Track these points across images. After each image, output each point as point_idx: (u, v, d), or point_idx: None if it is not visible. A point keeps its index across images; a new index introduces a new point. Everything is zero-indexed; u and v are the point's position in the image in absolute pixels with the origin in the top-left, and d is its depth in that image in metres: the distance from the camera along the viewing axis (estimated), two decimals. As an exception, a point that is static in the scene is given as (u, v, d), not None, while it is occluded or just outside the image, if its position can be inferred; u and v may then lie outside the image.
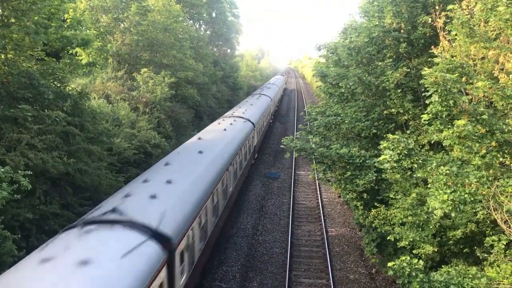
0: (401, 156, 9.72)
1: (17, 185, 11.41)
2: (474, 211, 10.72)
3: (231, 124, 26.82)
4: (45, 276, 7.84)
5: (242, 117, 30.29)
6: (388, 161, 9.95)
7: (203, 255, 14.72)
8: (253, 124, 30.45)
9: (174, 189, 13.36)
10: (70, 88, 18.53)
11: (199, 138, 21.94)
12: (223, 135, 23.39)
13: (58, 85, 17.67)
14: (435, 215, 8.63)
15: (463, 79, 9.43)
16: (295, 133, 38.47)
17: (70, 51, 20.79)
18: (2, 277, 8.09)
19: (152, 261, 9.59)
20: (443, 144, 8.80)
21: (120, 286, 8.19)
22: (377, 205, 13.91)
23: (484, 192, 8.58)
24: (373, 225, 13.96)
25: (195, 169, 15.99)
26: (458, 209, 8.23)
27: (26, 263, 8.54)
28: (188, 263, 12.50)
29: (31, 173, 12.28)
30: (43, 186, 15.32)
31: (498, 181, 8.83)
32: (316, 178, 18.67)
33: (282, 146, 15.95)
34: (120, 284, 8.25)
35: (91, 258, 8.39)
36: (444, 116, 8.46)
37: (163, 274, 10.08)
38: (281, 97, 76.28)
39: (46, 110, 15.93)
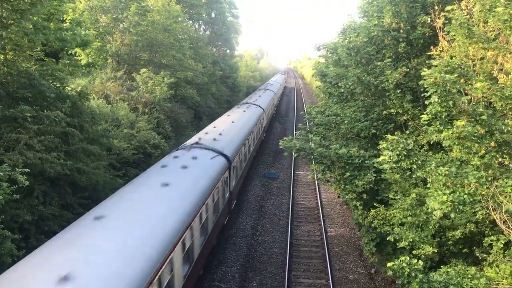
0: (400, 157, 9.73)
1: (16, 186, 11.40)
2: (473, 211, 10.73)
3: (247, 107, 36.15)
4: (177, 162, 16.71)
5: (255, 104, 39.29)
6: (387, 162, 9.96)
7: (242, 174, 25.34)
8: (263, 109, 39.18)
9: (224, 137, 22.74)
10: (69, 88, 18.52)
11: (228, 115, 31.55)
12: (244, 114, 32.57)
13: (58, 86, 17.66)
14: (434, 215, 8.63)
15: (462, 79, 9.44)
16: (294, 133, 38.89)
17: (70, 52, 20.78)
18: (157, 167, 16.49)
19: (222, 164, 18.83)
20: (443, 145, 8.80)
21: (213, 169, 17.35)
22: (377, 205, 13.92)
23: (483, 193, 8.58)
24: (373, 225, 13.96)
25: (232, 129, 25.79)
26: (457, 210, 8.24)
27: (166, 159, 17.84)
28: (235, 175, 22.24)
29: (29, 170, 12.26)
30: (42, 186, 15.29)
31: (497, 181, 8.83)
32: (316, 178, 18.72)
33: (280, 147, 15.88)
34: (212, 168, 17.42)
35: (197, 156, 17.85)
36: (443, 116, 8.47)
37: (227, 173, 19.46)
38: (282, 92, 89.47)
39: (45, 111, 15.92)
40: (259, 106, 38.95)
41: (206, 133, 23.75)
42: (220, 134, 23.16)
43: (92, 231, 10.03)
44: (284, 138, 15.68)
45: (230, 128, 25.97)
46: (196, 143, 20.31)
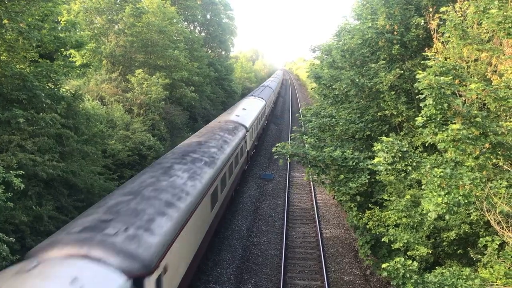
0: (395, 158, 9.75)
1: (10, 193, 11.29)
2: (467, 212, 10.77)
3: (254, 99, 46.28)
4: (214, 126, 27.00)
5: (259, 97, 49.36)
6: (382, 163, 9.98)
7: (256, 138, 36.26)
8: (265, 101, 49.39)
9: (244, 114, 33.22)
10: (64, 90, 18.42)
11: (240, 103, 42.46)
12: (252, 104, 41.37)
13: (52, 87, 17.57)
14: (429, 217, 8.66)
15: (456, 81, 9.47)
16: (290, 135, 39.04)
17: (64, 53, 20.67)
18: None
19: (242, 132, 27.28)
20: (438, 147, 8.83)
21: (236, 136, 24.84)
22: (371, 207, 13.92)
23: (477, 194, 8.60)
24: (367, 226, 13.97)
25: (248, 110, 36.12)
26: (452, 211, 8.26)
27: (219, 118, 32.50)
28: (250, 138, 30.85)
29: (23, 172, 12.15)
30: (36, 188, 15.19)
31: (491, 183, 8.86)
32: (311, 180, 18.73)
33: (275, 156, 15.68)
34: (236, 135, 25.06)
35: (226, 127, 26.00)
36: (438, 119, 8.49)
37: (244, 138, 27.05)
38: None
39: (40, 113, 15.83)
40: (262, 99, 49.04)
41: (229, 113, 33.99)
42: (237, 115, 32.03)
43: (199, 147, 19.68)
44: (277, 144, 15.55)
45: (246, 110, 36.33)
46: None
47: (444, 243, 11.72)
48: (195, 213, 13.71)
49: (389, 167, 9.98)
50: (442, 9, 12.08)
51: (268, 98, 55.43)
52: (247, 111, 35.25)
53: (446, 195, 8.31)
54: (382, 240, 12.37)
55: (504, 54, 10.72)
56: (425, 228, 11.55)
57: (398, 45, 15.32)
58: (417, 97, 10.41)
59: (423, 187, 9.51)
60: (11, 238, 11.47)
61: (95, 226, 9.99)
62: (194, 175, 15.52)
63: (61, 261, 8.53)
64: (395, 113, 14.96)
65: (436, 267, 9.69)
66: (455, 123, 8.45)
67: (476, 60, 11.86)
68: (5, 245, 11.06)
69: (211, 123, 28.81)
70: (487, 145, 8.51)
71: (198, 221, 14.41)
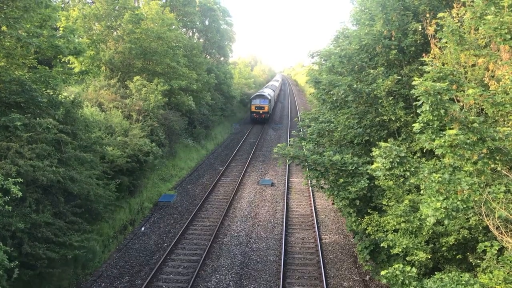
0: (393, 164, 9.74)
1: (8, 197, 11.26)
2: (466, 217, 10.76)
3: (271, 85, 79.12)
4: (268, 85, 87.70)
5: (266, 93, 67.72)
6: (380, 169, 9.97)
7: (277, 97, 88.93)
8: (268, 98, 64.44)
9: (270, 87, 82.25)
10: (62, 96, 18.41)
11: (268, 86, 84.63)
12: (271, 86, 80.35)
13: (51, 93, 17.57)
14: (428, 222, 8.65)
15: (454, 86, 9.49)
16: (288, 140, 39.09)
17: (63, 59, 20.68)
18: None
19: (274, 89, 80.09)
20: (435, 153, 8.83)
21: (275, 91, 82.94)
22: (370, 212, 13.91)
23: (476, 199, 8.60)
24: (366, 231, 13.94)
25: (271, 86, 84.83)
26: (450, 217, 8.25)
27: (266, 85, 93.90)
28: (275, 95, 79.63)
29: (21, 180, 12.11)
30: (34, 194, 15.14)
31: (490, 188, 8.86)
32: (310, 185, 18.70)
33: (275, 155, 15.78)
34: (275, 90, 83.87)
35: (269, 87, 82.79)
36: (435, 125, 8.49)
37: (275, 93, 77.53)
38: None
39: (38, 118, 15.81)
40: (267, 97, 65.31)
41: (266, 86, 71.26)
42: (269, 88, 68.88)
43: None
44: (278, 145, 15.60)
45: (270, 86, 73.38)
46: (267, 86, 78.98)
47: (443, 248, 11.70)
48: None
49: (387, 173, 9.97)
50: (439, 15, 12.12)
51: (273, 96, 75.64)
52: (272, 86, 67.03)
53: (445, 200, 8.31)
54: (381, 245, 12.34)
55: (501, 60, 10.75)
56: (424, 233, 11.54)
57: (396, 51, 15.35)
58: (414, 103, 10.41)
59: (421, 192, 9.50)
60: (7, 248, 11.44)
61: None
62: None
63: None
64: (393, 119, 14.96)
65: (436, 272, 9.67)
66: (452, 128, 8.46)
67: (473, 65, 11.89)
68: (2, 251, 11.04)
69: (264, 86, 74.27)
70: (484, 150, 8.50)
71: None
